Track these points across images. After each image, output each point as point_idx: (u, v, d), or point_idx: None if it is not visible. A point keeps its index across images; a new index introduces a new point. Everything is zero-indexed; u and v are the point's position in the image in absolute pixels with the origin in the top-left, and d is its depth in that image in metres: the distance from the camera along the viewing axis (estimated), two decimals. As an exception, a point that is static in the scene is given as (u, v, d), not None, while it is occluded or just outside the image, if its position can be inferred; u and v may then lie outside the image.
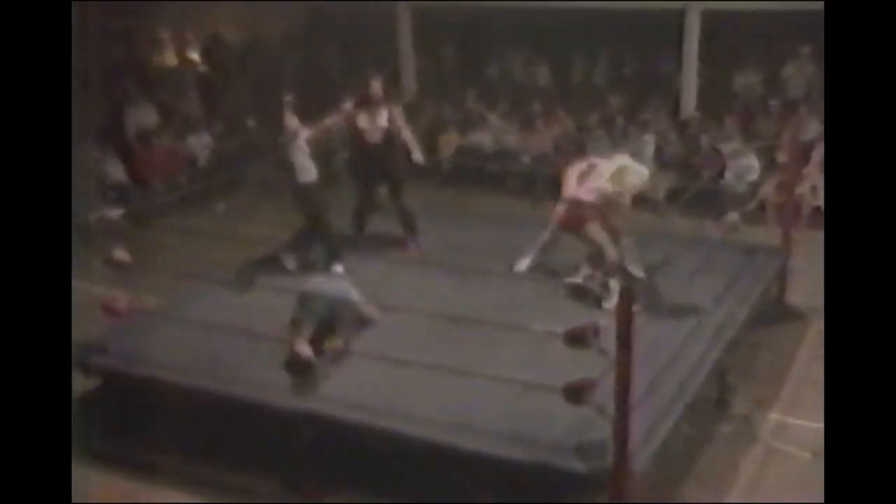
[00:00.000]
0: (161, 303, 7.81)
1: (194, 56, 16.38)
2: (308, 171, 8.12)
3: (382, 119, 8.47)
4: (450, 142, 13.15)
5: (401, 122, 8.75)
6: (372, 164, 8.58)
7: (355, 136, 8.53)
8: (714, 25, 12.80)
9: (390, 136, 8.53)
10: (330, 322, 6.65)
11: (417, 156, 8.81)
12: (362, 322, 6.88)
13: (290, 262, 8.12)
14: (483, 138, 13.09)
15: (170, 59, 16.26)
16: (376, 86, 8.58)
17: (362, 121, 8.42)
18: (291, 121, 8.03)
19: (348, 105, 8.60)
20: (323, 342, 6.60)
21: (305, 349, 6.46)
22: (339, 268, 7.40)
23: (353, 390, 6.15)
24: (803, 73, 12.63)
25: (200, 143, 13.25)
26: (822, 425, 6.32)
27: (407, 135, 8.80)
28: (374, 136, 8.43)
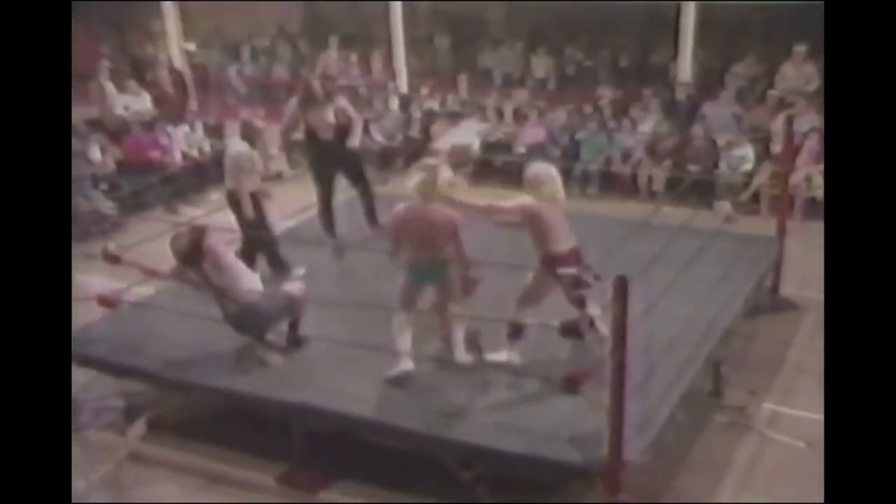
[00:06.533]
0: (155, 294, 7.75)
1: (191, 47, 16.39)
2: None
3: (330, 115, 8.37)
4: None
5: (350, 112, 8.60)
6: (327, 161, 8.52)
7: (308, 135, 8.44)
8: (713, 17, 12.82)
9: (342, 129, 8.45)
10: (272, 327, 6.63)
11: (354, 142, 8.56)
12: (295, 307, 6.67)
13: None
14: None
15: (163, 49, 16.27)
16: (316, 84, 8.52)
17: (312, 119, 8.33)
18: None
19: (293, 102, 8.52)
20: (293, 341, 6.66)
21: (276, 358, 6.53)
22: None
23: (347, 382, 6.14)
24: (800, 70, 12.57)
25: (196, 136, 13.21)
26: (816, 415, 6.41)
27: (354, 121, 8.59)
28: (326, 133, 8.39)
